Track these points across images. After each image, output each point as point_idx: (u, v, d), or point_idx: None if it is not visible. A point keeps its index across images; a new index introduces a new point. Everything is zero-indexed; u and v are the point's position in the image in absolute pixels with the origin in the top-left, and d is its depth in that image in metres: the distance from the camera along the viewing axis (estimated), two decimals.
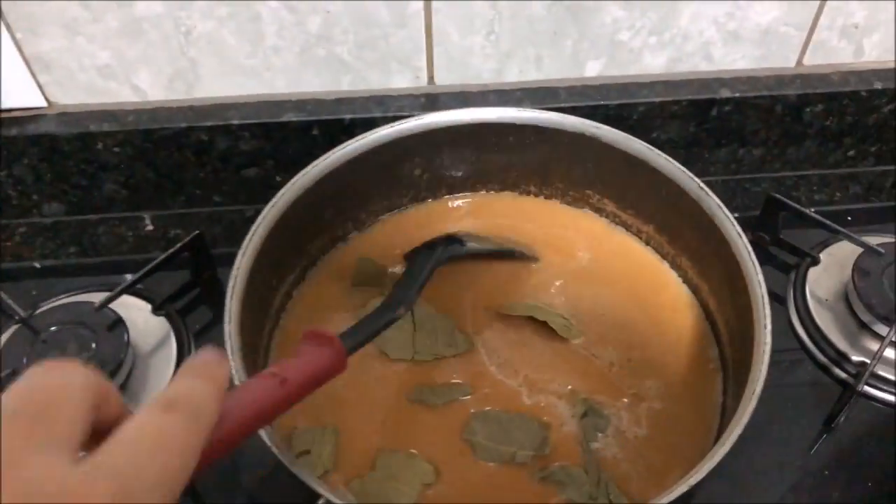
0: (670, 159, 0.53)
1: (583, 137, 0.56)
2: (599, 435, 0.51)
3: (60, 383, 0.26)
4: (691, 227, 0.53)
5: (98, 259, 0.74)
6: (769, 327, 0.45)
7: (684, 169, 0.53)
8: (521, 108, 0.57)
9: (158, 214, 0.77)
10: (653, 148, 0.54)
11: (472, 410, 0.52)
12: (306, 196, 0.53)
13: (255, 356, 0.52)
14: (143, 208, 0.77)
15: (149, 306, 0.66)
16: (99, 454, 0.25)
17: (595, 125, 0.55)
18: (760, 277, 0.47)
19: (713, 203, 0.51)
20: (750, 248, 0.49)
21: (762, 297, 0.46)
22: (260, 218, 0.50)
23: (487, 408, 0.52)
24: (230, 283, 0.47)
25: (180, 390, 0.28)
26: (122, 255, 0.74)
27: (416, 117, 0.56)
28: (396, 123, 0.56)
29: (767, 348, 0.44)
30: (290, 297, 0.57)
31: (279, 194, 0.52)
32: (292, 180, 0.53)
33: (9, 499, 0.22)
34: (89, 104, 0.70)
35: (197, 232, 0.68)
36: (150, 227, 0.76)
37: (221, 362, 0.31)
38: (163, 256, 0.65)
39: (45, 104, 0.70)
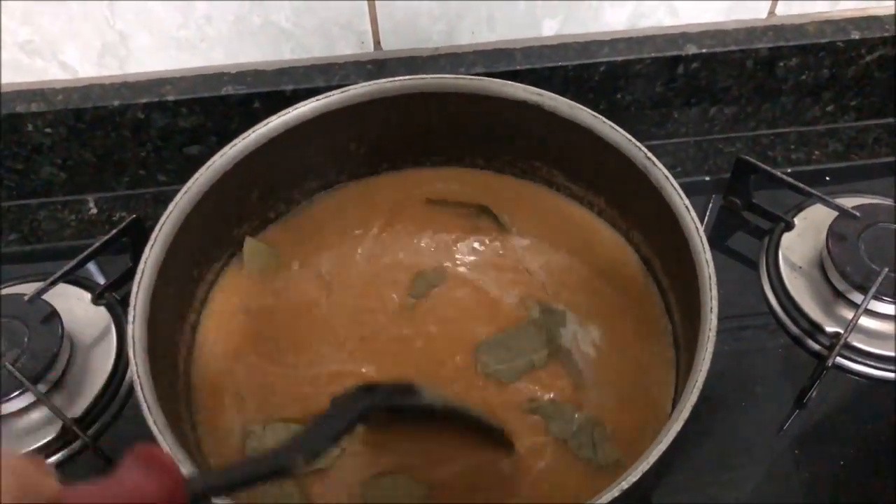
0: (616, 127, 0.49)
1: (525, 105, 0.52)
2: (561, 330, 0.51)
3: None
4: (641, 199, 0.49)
5: (40, 246, 0.71)
6: (715, 310, 0.42)
7: (630, 137, 0.49)
8: (457, 76, 0.53)
9: (102, 197, 0.73)
10: (598, 115, 0.50)
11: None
12: (226, 179, 0.49)
13: (173, 354, 0.49)
14: (86, 191, 0.73)
15: (88, 295, 0.63)
16: None
17: (537, 91, 0.51)
18: (708, 255, 0.43)
19: (660, 174, 0.47)
20: (698, 223, 0.45)
21: (709, 276, 0.43)
22: (171, 206, 0.47)
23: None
24: (136, 278, 0.44)
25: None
26: (65, 240, 0.71)
27: (341, 90, 0.52)
28: (321, 97, 0.52)
29: (712, 334, 0.41)
30: (217, 286, 0.54)
31: (193, 179, 0.48)
32: (207, 163, 0.49)
33: None
34: (16, 83, 0.67)
35: (134, 216, 0.64)
36: (93, 211, 0.73)
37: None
38: (98, 243, 0.62)
39: None
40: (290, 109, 0.52)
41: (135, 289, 0.44)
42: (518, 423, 0.48)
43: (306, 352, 0.52)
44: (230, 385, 0.51)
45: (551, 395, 0.50)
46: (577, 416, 0.49)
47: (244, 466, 0.36)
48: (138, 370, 0.41)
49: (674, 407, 0.42)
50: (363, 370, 0.51)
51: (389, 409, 0.43)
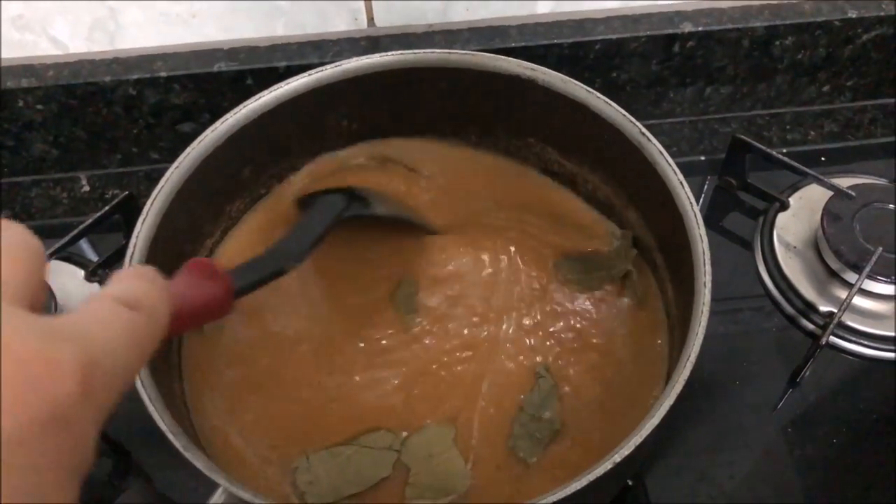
0: (610, 102, 0.49)
1: (518, 80, 0.51)
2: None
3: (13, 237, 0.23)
4: (635, 176, 0.49)
5: (32, 223, 0.70)
6: (709, 284, 0.42)
7: (625, 113, 0.48)
8: (450, 50, 0.52)
9: (95, 174, 0.73)
10: (592, 90, 0.49)
11: None
12: (217, 154, 0.49)
13: None
14: (79, 168, 0.73)
15: (81, 272, 0.63)
16: (62, 320, 0.22)
17: (531, 66, 0.51)
18: (702, 230, 0.43)
19: (654, 150, 0.46)
20: (692, 198, 0.44)
21: (703, 251, 0.42)
22: (163, 181, 0.46)
23: None
24: (128, 252, 0.44)
25: (140, 292, 0.26)
26: (58, 217, 0.71)
27: (332, 65, 0.51)
28: (312, 72, 0.51)
29: (706, 309, 0.41)
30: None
31: (184, 154, 0.48)
32: (198, 138, 0.48)
33: None
34: (6, 59, 0.66)
35: (127, 193, 0.64)
36: (86, 188, 0.72)
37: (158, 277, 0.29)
38: (91, 219, 0.62)
39: None
40: (281, 84, 0.51)
41: (127, 262, 0.43)
42: None
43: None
44: (220, 359, 0.51)
45: None
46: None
47: (253, 273, 0.41)
48: None
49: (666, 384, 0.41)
50: None
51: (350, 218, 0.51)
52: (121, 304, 0.25)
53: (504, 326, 0.53)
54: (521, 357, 0.52)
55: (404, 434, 0.49)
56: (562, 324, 0.53)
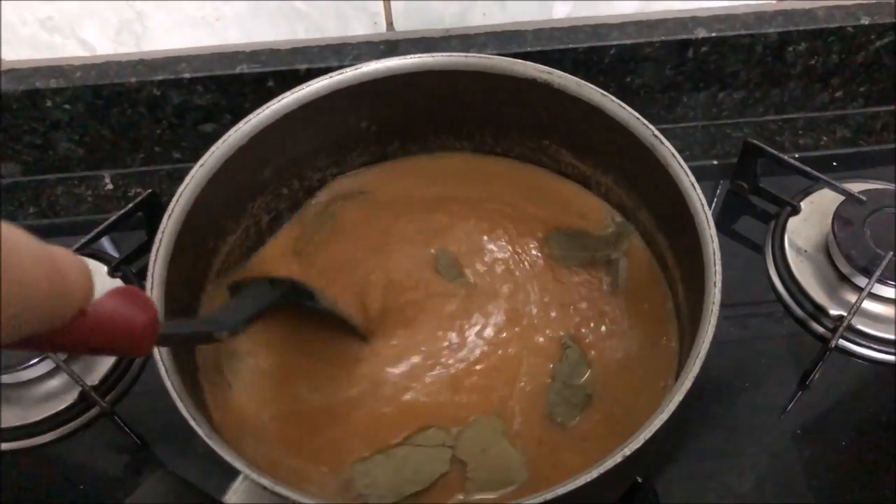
0: (624, 105, 0.50)
1: (534, 83, 0.52)
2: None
3: None
4: (647, 177, 0.50)
5: (57, 220, 0.72)
6: (719, 284, 0.42)
7: (638, 116, 0.49)
8: (467, 54, 0.53)
9: (118, 173, 0.75)
10: (606, 94, 0.50)
11: None
12: (240, 154, 0.50)
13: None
14: (102, 167, 0.74)
15: (104, 268, 0.64)
16: None
17: (547, 70, 0.52)
18: (713, 231, 0.44)
19: (667, 152, 0.47)
20: (703, 200, 0.45)
21: (713, 251, 0.43)
22: (188, 178, 0.48)
23: None
24: (154, 246, 0.45)
25: (66, 259, 0.26)
26: (82, 215, 0.72)
27: (352, 67, 0.53)
28: (333, 74, 0.53)
29: (715, 308, 0.42)
30: (233, 258, 0.55)
31: (209, 152, 0.49)
32: (222, 137, 0.50)
33: None
34: (36, 60, 0.68)
35: (150, 191, 0.66)
36: (109, 187, 0.74)
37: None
38: (114, 217, 0.64)
39: None
40: (303, 86, 0.53)
41: (153, 256, 0.45)
42: None
43: None
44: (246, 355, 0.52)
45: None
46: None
47: (184, 328, 0.42)
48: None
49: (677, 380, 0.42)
50: None
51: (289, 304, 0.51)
52: (43, 263, 0.25)
53: (527, 305, 0.55)
54: (548, 330, 0.54)
55: (455, 430, 0.50)
56: (574, 295, 0.55)
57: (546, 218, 0.59)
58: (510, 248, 0.58)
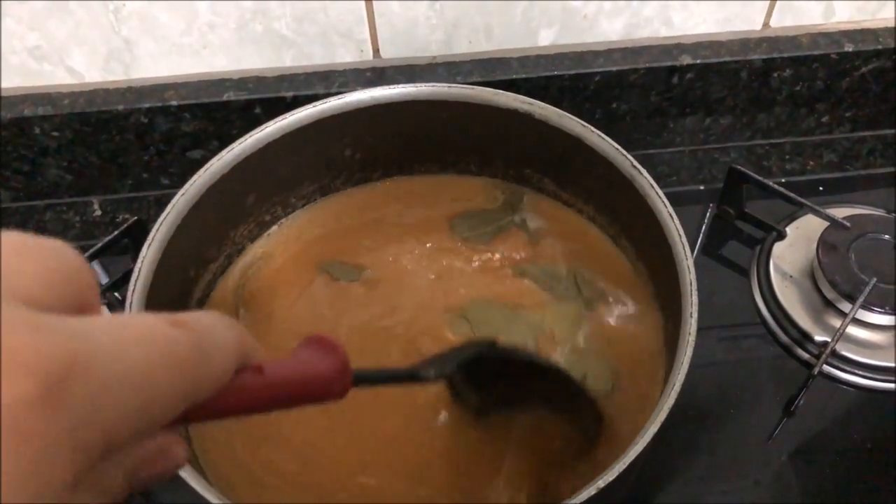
0: (604, 136, 0.50)
1: (516, 114, 0.53)
2: None
3: (38, 243, 0.20)
4: (628, 207, 0.50)
5: None
6: (695, 315, 0.43)
7: (617, 146, 0.49)
8: (451, 84, 0.54)
9: (106, 199, 0.75)
10: (587, 125, 0.51)
11: None
12: (223, 182, 0.50)
13: None
14: (91, 193, 0.75)
15: None
16: (63, 317, 0.18)
17: (528, 101, 0.52)
18: (690, 262, 0.44)
19: (646, 182, 0.48)
20: (681, 230, 0.46)
21: (690, 282, 0.43)
22: (169, 207, 0.48)
23: None
24: (133, 277, 0.45)
25: (195, 318, 0.22)
26: (70, 241, 0.71)
27: (336, 97, 0.53)
28: (317, 103, 0.53)
29: (691, 339, 0.42)
30: (215, 287, 0.55)
31: (190, 181, 0.49)
32: (204, 167, 0.50)
33: None
34: (24, 87, 0.68)
35: (136, 218, 0.66)
36: (97, 213, 0.74)
37: (245, 329, 0.25)
38: (101, 243, 0.64)
39: None
40: (287, 115, 0.53)
41: (132, 287, 0.45)
42: None
43: None
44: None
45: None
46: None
47: (385, 371, 0.41)
48: None
49: None
50: None
51: (492, 359, 0.46)
52: (165, 322, 0.21)
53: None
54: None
55: None
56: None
57: (444, 213, 0.61)
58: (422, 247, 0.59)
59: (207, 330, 0.22)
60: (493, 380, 0.47)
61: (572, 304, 0.55)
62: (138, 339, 0.19)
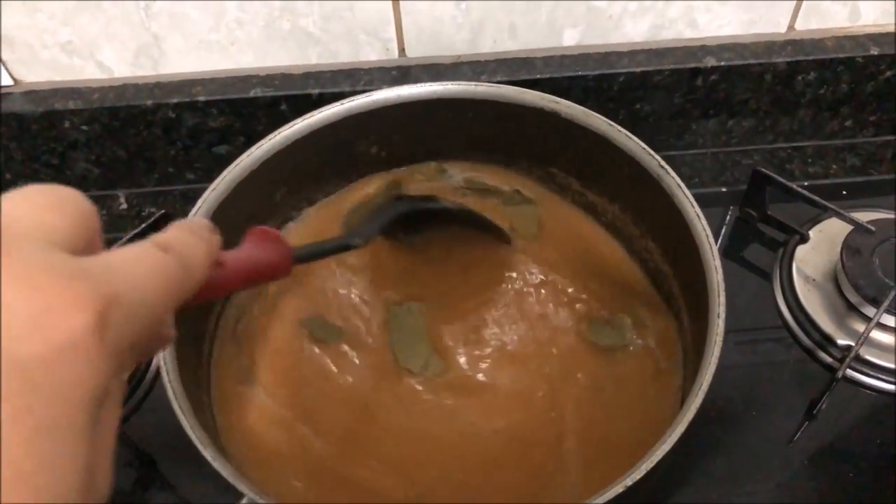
0: (631, 136, 0.50)
1: (542, 113, 0.53)
2: None
3: (60, 191, 0.25)
4: (653, 207, 0.50)
5: None
6: (723, 315, 0.43)
7: (644, 145, 0.50)
8: (476, 83, 0.54)
9: (133, 193, 0.76)
10: (613, 124, 0.51)
11: None
12: (252, 178, 0.51)
13: (198, 343, 0.51)
14: (117, 187, 0.76)
15: None
16: (92, 258, 0.23)
17: (554, 99, 0.52)
18: (717, 263, 0.44)
19: (673, 182, 0.48)
20: (708, 230, 0.46)
21: (718, 282, 0.44)
22: (200, 201, 0.49)
23: None
24: None
25: (176, 239, 0.27)
26: None
27: (364, 94, 0.54)
28: (344, 101, 0.54)
29: (719, 339, 0.42)
30: None
31: (221, 177, 0.50)
32: (235, 162, 0.51)
33: None
34: (55, 81, 0.69)
35: (163, 211, 0.67)
36: (124, 206, 0.75)
37: (214, 230, 0.30)
38: (127, 237, 0.65)
39: (10, 82, 0.69)
40: (315, 112, 0.54)
41: None
42: None
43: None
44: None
45: None
46: None
47: (319, 245, 0.45)
48: (165, 355, 0.43)
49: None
50: None
51: (416, 213, 0.55)
52: (154, 247, 0.26)
53: None
54: None
55: None
56: None
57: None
58: None
59: (187, 249, 0.27)
60: (419, 224, 0.55)
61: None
62: (147, 272, 0.24)
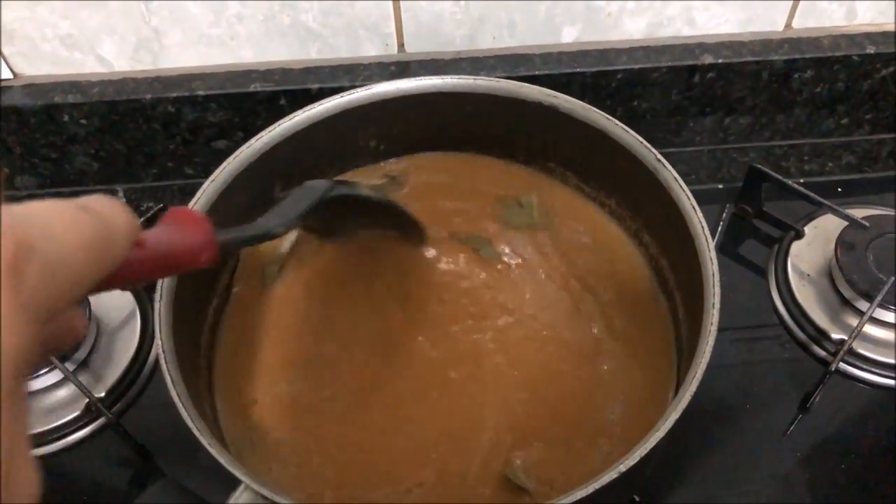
0: (629, 130, 0.51)
1: (540, 107, 0.53)
2: None
3: None
4: (650, 200, 0.51)
5: None
6: (717, 305, 0.43)
7: (641, 139, 0.50)
8: (475, 77, 0.54)
9: (131, 187, 0.76)
10: (611, 118, 0.51)
11: None
12: (251, 170, 0.51)
13: (196, 334, 0.51)
14: (116, 181, 0.76)
15: None
16: (8, 206, 0.21)
17: (553, 94, 0.53)
18: (713, 254, 0.45)
19: (669, 176, 0.48)
20: (703, 222, 0.46)
21: (713, 274, 0.44)
22: (199, 193, 0.49)
23: None
24: None
25: (97, 202, 0.25)
26: None
27: (363, 88, 0.54)
28: (344, 94, 0.54)
29: (713, 328, 0.42)
30: (241, 271, 0.56)
31: (220, 168, 0.50)
32: (234, 153, 0.51)
33: None
34: (55, 75, 0.70)
35: (161, 206, 0.67)
36: (122, 200, 0.76)
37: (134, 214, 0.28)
38: None
39: (10, 76, 0.69)
40: (314, 105, 0.54)
41: None
42: None
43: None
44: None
45: None
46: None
47: (241, 233, 0.42)
48: (163, 346, 0.43)
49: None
50: None
51: (338, 200, 0.50)
52: (75, 205, 0.24)
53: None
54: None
55: None
56: None
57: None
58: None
59: (109, 214, 0.25)
60: (339, 212, 0.51)
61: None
62: (66, 226, 0.23)
